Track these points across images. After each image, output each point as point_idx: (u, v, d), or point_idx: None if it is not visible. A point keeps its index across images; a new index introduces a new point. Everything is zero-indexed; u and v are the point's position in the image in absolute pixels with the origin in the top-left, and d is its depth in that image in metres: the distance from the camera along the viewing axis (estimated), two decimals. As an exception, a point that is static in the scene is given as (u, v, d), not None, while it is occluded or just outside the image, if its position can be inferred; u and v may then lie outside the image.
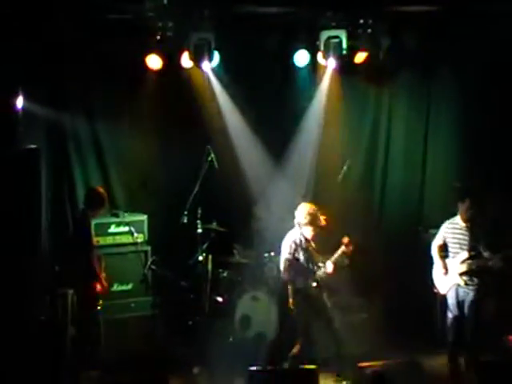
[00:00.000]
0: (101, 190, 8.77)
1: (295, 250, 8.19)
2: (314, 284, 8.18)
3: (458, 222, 7.95)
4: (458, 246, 7.91)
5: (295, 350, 8.17)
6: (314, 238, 8.25)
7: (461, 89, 9.97)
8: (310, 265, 8.22)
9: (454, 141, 10.13)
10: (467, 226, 7.88)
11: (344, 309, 9.09)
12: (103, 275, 8.56)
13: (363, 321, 9.24)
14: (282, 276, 8.30)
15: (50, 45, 8.83)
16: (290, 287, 8.14)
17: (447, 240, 8.01)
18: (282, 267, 8.24)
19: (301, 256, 8.20)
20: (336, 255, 8.18)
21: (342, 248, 8.16)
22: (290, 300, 8.13)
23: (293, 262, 8.16)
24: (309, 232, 8.17)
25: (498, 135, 9.73)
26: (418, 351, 8.28)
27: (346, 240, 8.16)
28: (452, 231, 8.00)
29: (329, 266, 8.17)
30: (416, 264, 9.47)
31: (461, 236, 7.91)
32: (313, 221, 8.11)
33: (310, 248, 8.25)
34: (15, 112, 8.36)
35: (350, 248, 8.15)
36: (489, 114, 9.75)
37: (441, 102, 10.15)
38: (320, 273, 8.18)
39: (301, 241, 8.18)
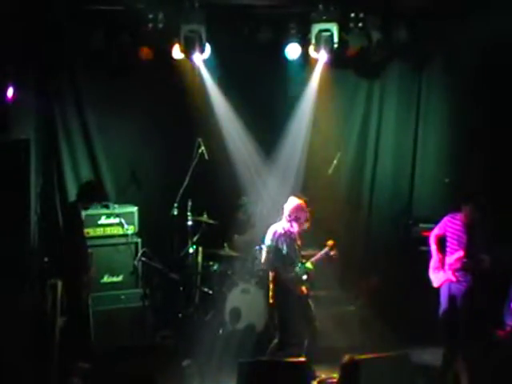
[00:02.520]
0: (95, 184, 8.76)
1: (278, 239, 7.96)
2: (305, 276, 7.94)
3: (460, 219, 7.99)
4: (456, 242, 7.97)
5: (273, 345, 8.03)
6: (299, 233, 8.05)
7: (451, 82, 9.96)
8: (293, 257, 7.97)
9: (444, 134, 10.13)
10: (468, 226, 7.92)
11: (332, 302, 9.12)
12: (93, 267, 8.55)
13: (351, 314, 9.24)
14: (262, 263, 8.31)
15: (41, 35, 8.80)
16: (270, 276, 7.96)
17: (447, 234, 8.06)
18: (263, 255, 8.18)
19: (284, 247, 7.95)
20: (317, 256, 7.99)
21: (325, 250, 7.97)
22: (270, 288, 7.94)
23: (272, 250, 7.96)
24: (294, 227, 7.98)
25: (489, 128, 9.75)
26: (408, 344, 8.29)
27: (330, 243, 7.96)
28: (453, 227, 8.04)
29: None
30: (405, 257, 9.52)
31: (461, 234, 7.97)
32: (297, 218, 7.93)
33: (294, 243, 8.01)
34: (5, 102, 8.31)
35: (334, 252, 7.94)
36: (479, 107, 9.75)
37: (431, 96, 10.15)
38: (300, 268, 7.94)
39: (285, 233, 7.98)
